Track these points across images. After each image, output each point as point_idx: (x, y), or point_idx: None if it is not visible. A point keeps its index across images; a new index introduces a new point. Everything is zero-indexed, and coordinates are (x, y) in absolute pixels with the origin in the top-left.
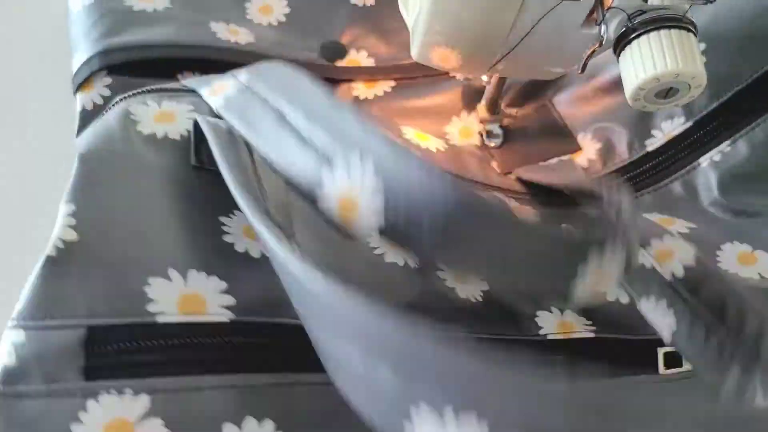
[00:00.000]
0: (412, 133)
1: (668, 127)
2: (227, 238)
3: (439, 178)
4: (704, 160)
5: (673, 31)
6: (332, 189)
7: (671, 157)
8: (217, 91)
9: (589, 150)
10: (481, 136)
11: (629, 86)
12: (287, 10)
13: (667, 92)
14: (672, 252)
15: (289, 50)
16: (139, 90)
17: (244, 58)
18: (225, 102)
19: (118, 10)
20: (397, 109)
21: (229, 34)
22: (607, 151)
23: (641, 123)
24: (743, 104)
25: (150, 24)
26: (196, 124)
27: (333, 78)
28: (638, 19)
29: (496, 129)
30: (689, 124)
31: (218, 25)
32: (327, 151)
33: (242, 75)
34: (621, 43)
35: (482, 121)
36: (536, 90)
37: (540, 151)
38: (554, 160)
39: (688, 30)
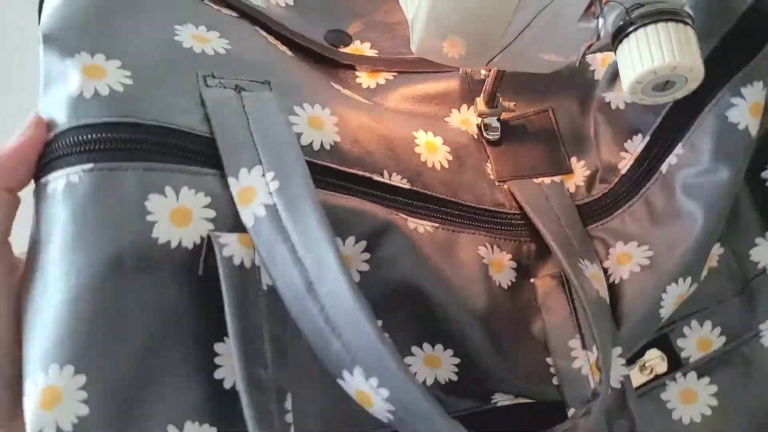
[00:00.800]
0: (423, 139)
1: (632, 147)
2: (218, 373)
3: (430, 403)
4: (664, 167)
5: (670, 24)
6: (348, 386)
7: (641, 175)
8: (246, 198)
9: (578, 176)
10: (480, 129)
11: (627, 79)
12: None
13: (664, 85)
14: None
15: (296, 28)
16: (159, 163)
17: (256, 14)
18: (254, 224)
19: None
20: (399, 97)
21: None
22: (592, 178)
23: (615, 146)
24: (689, 104)
25: None
26: (209, 240)
27: (336, 61)
28: (636, 13)
29: (494, 122)
30: (648, 138)
31: None
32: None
33: (271, 179)
34: (618, 36)
35: (480, 115)
36: (536, 84)
37: (533, 166)
38: (548, 180)
39: (686, 23)
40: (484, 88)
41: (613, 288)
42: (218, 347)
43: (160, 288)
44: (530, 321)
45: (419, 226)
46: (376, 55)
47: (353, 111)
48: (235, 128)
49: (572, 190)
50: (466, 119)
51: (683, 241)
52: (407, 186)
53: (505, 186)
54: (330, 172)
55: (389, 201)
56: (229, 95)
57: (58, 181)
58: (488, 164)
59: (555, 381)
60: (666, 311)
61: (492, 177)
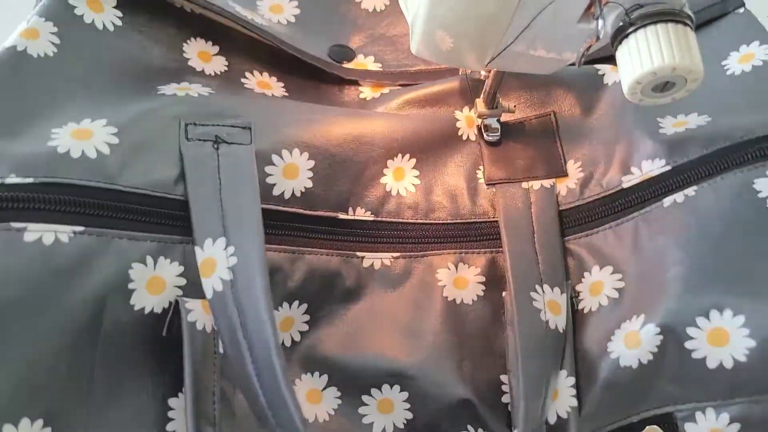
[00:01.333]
0: (393, 167)
1: (647, 167)
2: (170, 426)
3: None
4: (668, 201)
5: (670, 25)
6: None
7: (641, 197)
8: (207, 269)
9: (572, 178)
10: (480, 130)
11: (626, 80)
12: (297, 11)
13: (663, 86)
14: (557, 393)
15: (300, 44)
16: (141, 233)
17: (260, 33)
18: (213, 297)
19: None
20: (402, 102)
21: (246, 12)
22: (587, 181)
23: (625, 158)
24: (724, 160)
25: None
26: (177, 304)
27: (340, 77)
28: (635, 14)
29: (494, 123)
30: (668, 168)
31: (235, 6)
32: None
33: (230, 254)
34: (618, 37)
35: (480, 116)
36: (540, 86)
37: (527, 168)
38: (537, 185)
39: (685, 24)
40: (484, 89)
41: (581, 315)
42: (172, 402)
43: (129, 348)
44: (494, 335)
45: (376, 261)
46: (380, 69)
47: (336, 144)
48: (208, 195)
49: (563, 192)
50: (469, 116)
51: (654, 290)
52: (371, 218)
53: (493, 189)
54: (296, 217)
55: (351, 236)
56: (206, 153)
57: (44, 234)
58: (480, 168)
59: (505, 399)
60: (616, 346)
61: (481, 181)
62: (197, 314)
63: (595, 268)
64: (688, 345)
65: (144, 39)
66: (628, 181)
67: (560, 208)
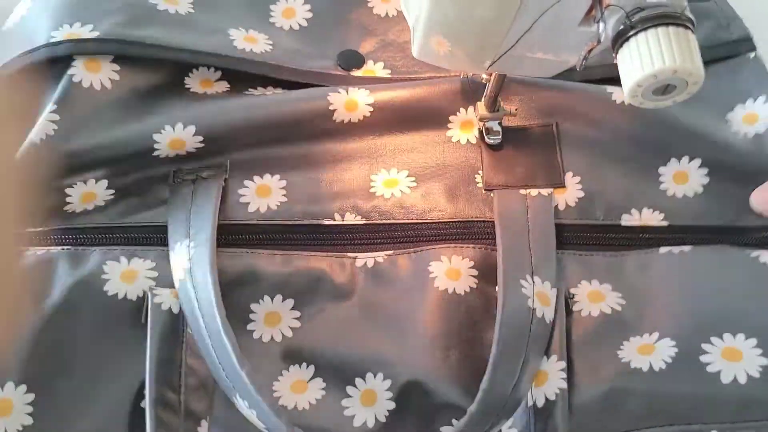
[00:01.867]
0: (381, 180)
1: (647, 216)
2: (144, 403)
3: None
4: (664, 249)
5: (671, 28)
6: (239, 407)
7: (637, 240)
8: (177, 265)
9: (570, 194)
10: (481, 132)
11: (627, 83)
12: (309, 15)
13: (664, 89)
14: (547, 377)
15: (305, 59)
16: (119, 246)
17: (257, 68)
18: (179, 286)
19: (143, 4)
20: (400, 102)
21: (245, 42)
22: (586, 204)
23: (626, 195)
24: (719, 234)
25: (171, 25)
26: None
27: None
28: (636, 17)
29: (495, 126)
30: (665, 224)
31: (237, 32)
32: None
33: (191, 247)
34: (619, 40)
35: (482, 119)
36: (544, 93)
37: (525, 176)
38: (535, 192)
39: (686, 27)
40: (485, 92)
41: (578, 317)
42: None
43: (109, 331)
44: (484, 327)
45: (369, 261)
46: (389, 75)
47: (314, 173)
48: (182, 216)
49: (561, 206)
50: (467, 119)
51: (662, 316)
52: (362, 222)
53: (491, 195)
54: (276, 228)
55: (341, 241)
56: (187, 189)
57: (37, 250)
58: (479, 173)
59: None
60: (626, 353)
61: (480, 186)
62: (164, 297)
63: (595, 281)
64: (702, 359)
65: (140, 83)
66: (626, 221)
67: (557, 220)
